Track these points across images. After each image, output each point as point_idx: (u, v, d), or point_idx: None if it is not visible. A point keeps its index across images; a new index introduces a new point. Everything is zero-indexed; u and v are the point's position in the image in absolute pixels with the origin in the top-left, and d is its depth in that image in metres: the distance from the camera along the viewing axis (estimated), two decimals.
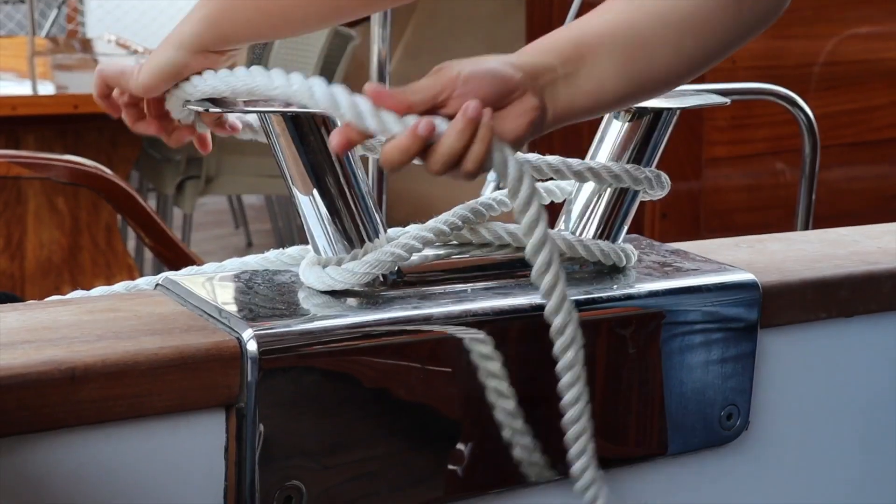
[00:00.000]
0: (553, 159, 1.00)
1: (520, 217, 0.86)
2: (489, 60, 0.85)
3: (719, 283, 1.05)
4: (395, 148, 0.83)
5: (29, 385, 0.78)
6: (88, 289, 1.01)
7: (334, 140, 0.84)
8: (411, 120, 0.82)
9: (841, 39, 2.93)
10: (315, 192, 0.93)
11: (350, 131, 0.83)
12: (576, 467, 0.92)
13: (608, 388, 1.01)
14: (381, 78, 1.82)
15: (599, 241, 1.03)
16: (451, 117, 0.83)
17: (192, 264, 2.05)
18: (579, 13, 1.54)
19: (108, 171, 2.17)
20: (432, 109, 0.84)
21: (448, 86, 0.83)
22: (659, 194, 1.05)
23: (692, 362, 1.04)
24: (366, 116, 0.82)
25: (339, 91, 0.83)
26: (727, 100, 1.10)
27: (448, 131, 0.82)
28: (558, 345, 0.88)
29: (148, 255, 3.69)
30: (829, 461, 1.17)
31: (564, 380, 0.88)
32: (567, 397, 0.89)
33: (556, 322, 0.87)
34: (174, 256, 2.14)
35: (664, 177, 1.04)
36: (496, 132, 0.83)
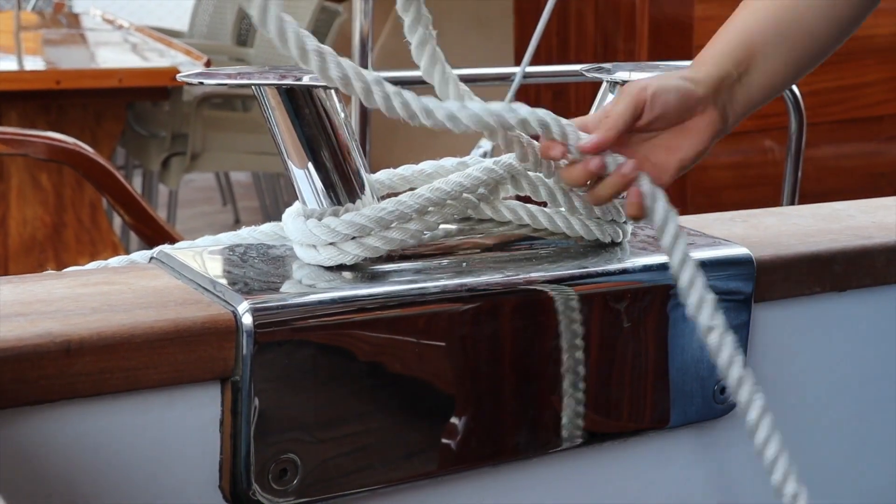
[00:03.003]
0: None
1: (669, 255, 0.94)
2: (672, 78, 0.93)
3: (714, 258, 1.05)
4: (570, 173, 0.94)
5: (24, 358, 0.78)
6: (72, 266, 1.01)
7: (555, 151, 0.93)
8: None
9: None
10: (310, 165, 0.93)
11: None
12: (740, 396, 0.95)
13: (602, 362, 1.01)
14: (364, 53, 1.81)
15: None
16: (645, 129, 0.93)
17: (173, 242, 2.04)
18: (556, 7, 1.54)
19: (87, 147, 2.16)
20: (630, 129, 0.93)
21: (639, 106, 0.92)
22: None
23: (686, 336, 1.04)
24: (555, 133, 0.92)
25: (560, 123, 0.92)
26: None
27: (606, 182, 0.93)
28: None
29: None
30: (822, 434, 1.18)
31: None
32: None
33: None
34: (154, 234, 2.13)
35: None
36: (679, 149, 0.93)
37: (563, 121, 0.92)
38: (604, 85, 1.05)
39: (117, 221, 3.62)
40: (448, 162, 1.02)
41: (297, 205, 0.96)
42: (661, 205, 0.93)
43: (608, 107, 0.93)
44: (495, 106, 0.89)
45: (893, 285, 1.16)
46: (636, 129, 0.93)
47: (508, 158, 0.99)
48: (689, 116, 0.93)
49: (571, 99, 3.09)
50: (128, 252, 3.52)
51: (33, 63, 3.62)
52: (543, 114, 0.91)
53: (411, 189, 0.97)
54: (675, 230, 0.93)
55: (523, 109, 0.90)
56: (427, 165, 1.01)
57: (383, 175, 1.01)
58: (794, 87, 2.14)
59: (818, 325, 1.14)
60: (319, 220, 0.93)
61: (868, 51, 3.04)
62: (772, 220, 1.21)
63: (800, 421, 1.16)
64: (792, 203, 2.24)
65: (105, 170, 2.15)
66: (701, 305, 0.93)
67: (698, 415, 1.07)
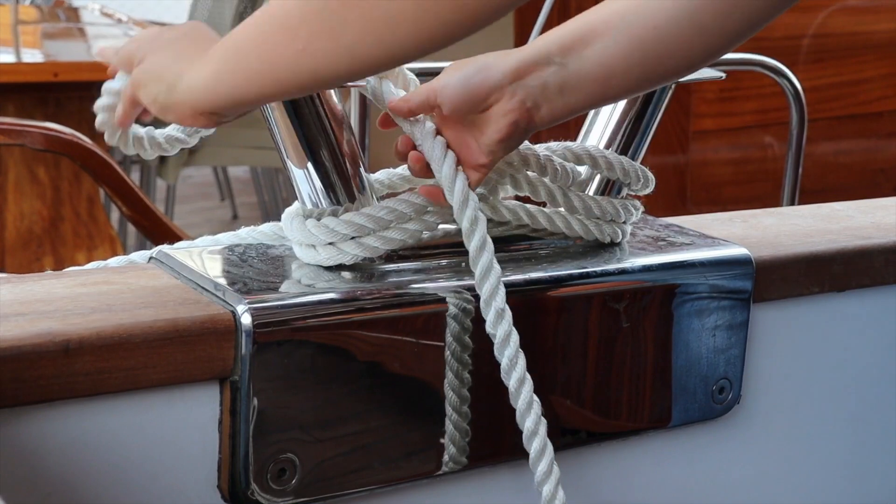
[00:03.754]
0: (555, 145, 1.00)
1: (467, 242, 0.91)
2: (473, 63, 0.87)
3: (713, 258, 1.05)
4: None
5: (23, 357, 0.78)
6: (70, 260, 1.01)
7: (379, 120, 0.93)
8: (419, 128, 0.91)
9: (830, 12, 2.93)
10: (309, 164, 0.92)
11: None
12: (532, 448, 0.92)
13: (601, 362, 1.01)
14: None
15: (601, 200, 1.02)
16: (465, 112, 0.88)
17: (170, 233, 2.04)
18: (554, 5, 1.53)
19: (85, 138, 2.15)
20: (428, 111, 0.90)
21: (432, 95, 0.88)
22: (644, 191, 1.05)
23: (685, 336, 1.04)
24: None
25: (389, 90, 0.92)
26: (722, 74, 1.10)
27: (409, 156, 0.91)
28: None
29: (132, 227, 3.67)
30: (820, 435, 1.18)
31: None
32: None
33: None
34: (152, 226, 2.12)
35: (651, 177, 1.04)
36: (484, 135, 0.88)
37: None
38: None
39: (115, 216, 3.61)
40: None
41: (296, 205, 0.96)
42: (458, 186, 0.89)
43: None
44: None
45: (892, 286, 1.16)
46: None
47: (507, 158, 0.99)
48: (486, 106, 0.87)
49: None
50: (125, 246, 3.50)
51: (31, 56, 3.61)
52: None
53: (411, 189, 0.97)
54: (473, 215, 0.90)
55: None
56: None
57: (383, 175, 1.01)
58: (796, 82, 2.14)
59: (817, 325, 1.15)
60: (318, 219, 0.93)
61: (867, 47, 3.03)
62: (771, 220, 1.21)
63: (798, 421, 1.16)
64: (793, 199, 2.24)
65: (103, 161, 2.14)
66: (497, 322, 0.90)
67: (697, 415, 1.07)
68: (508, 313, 0.90)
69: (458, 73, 0.87)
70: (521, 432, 0.97)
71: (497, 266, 0.90)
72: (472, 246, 0.90)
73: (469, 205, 0.90)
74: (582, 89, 0.86)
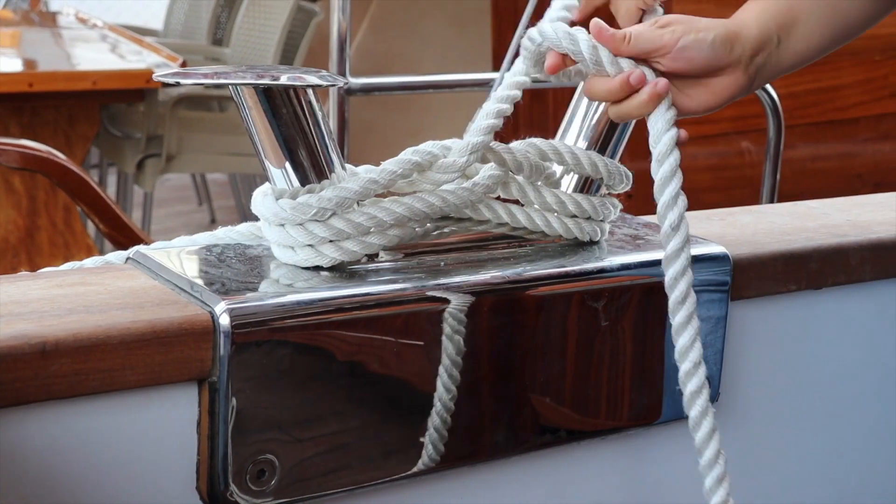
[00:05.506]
0: (543, 143, 1.00)
1: (658, 188, 0.92)
2: (712, 29, 0.90)
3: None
4: (601, 86, 0.92)
5: None
6: None
7: (548, 61, 0.93)
8: (624, 64, 0.91)
9: None
10: (287, 164, 0.92)
11: (562, 57, 0.93)
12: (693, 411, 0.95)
13: (580, 360, 1.01)
14: (342, 53, 1.81)
15: (579, 198, 1.02)
16: (656, 70, 0.91)
17: None
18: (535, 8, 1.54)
19: (60, 155, 2.14)
20: (642, 58, 0.91)
21: (667, 46, 0.89)
22: (621, 189, 1.05)
23: (663, 335, 1.04)
24: (584, 49, 0.92)
25: (560, 24, 0.94)
26: None
27: (635, 99, 0.90)
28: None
29: None
30: (798, 431, 1.18)
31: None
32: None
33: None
34: (129, 242, 2.11)
35: (628, 174, 1.05)
36: (689, 98, 0.92)
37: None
38: (579, 87, 1.05)
39: (91, 225, 3.60)
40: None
41: (266, 185, 0.96)
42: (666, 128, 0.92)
43: (636, 26, 0.92)
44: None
45: (868, 283, 1.17)
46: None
47: (489, 172, 0.99)
48: (713, 74, 0.91)
49: (549, 101, 3.09)
50: (102, 255, 3.49)
51: (6, 63, 3.59)
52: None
53: (392, 194, 0.96)
54: (675, 164, 0.92)
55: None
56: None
57: (363, 171, 1.01)
58: (772, 90, 2.15)
59: (794, 323, 1.15)
60: (294, 198, 0.92)
61: (844, 53, 3.04)
62: (748, 218, 1.21)
63: (776, 418, 1.17)
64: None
65: (79, 178, 2.13)
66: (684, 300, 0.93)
67: (677, 412, 1.07)
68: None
69: (702, 35, 0.90)
70: (499, 432, 0.97)
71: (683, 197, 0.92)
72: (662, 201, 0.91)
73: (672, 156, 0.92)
74: (783, 65, 0.93)
